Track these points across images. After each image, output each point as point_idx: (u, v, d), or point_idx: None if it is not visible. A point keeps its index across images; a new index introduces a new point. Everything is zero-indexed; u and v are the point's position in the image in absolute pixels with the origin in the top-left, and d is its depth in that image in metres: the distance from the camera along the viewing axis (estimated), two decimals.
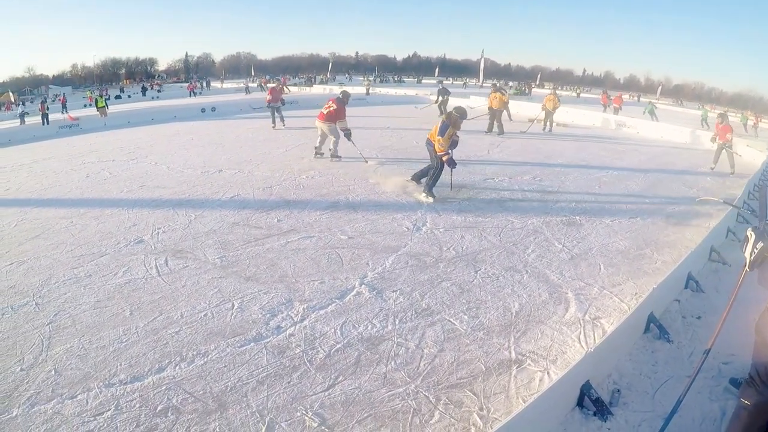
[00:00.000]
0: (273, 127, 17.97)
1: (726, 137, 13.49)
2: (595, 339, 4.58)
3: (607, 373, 4.09)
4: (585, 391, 3.66)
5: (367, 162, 12.16)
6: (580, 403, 3.69)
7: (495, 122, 17.70)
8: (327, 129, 12.01)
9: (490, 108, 17.81)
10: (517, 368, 4.17)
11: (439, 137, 8.70)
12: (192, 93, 48.08)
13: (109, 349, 4.37)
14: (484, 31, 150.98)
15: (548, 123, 19.07)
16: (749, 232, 3.06)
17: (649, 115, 30.76)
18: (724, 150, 13.64)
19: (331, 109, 11.78)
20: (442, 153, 8.77)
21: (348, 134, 11.96)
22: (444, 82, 37.95)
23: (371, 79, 46.87)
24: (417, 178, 9.84)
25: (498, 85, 22.79)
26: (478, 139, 16.34)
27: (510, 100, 22.23)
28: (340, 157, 12.41)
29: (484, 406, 3.68)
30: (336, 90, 24.48)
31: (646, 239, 7.41)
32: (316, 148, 12.74)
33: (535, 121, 19.15)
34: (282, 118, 18.24)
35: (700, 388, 3.94)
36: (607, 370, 4.11)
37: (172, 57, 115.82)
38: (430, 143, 9.08)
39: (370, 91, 37.82)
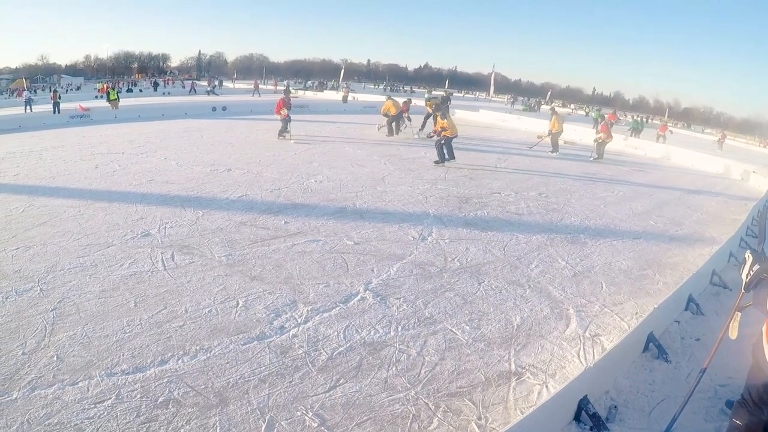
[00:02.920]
0: (287, 138, 16.41)
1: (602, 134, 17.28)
2: (594, 355, 4.61)
3: (605, 390, 4.12)
4: (582, 405, 3.68)
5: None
6: (577, 418, 3.71)
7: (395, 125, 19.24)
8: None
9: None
10: (516, 380, 4.20)
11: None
12: (193, 90, 48.27)
13: (113, 338, 4.42)
14: (496, 46, 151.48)
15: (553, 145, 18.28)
16: (747, 255, 3.11)
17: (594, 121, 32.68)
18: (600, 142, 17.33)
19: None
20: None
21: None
22: (455, 94, 37.55)
23: (348, 84, 46.50)
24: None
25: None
26: (485, 154, 16.42)
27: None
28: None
29: (483, 416, 3.71)
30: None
31: (648, 260, 7.44)
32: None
33: (543, 138, 18.99)
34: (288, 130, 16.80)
35: (696, 409, 3.97)
36: (605, 386, 4.14)
37: (185, 54, 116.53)
38: None
39: (349, 99, 34.67)
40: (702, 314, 5.85)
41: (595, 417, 3.66)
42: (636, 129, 34.23)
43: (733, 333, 3.18)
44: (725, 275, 6.95)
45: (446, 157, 13.74)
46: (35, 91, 46.67)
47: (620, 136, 23.23)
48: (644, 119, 40.49)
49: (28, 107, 24.26)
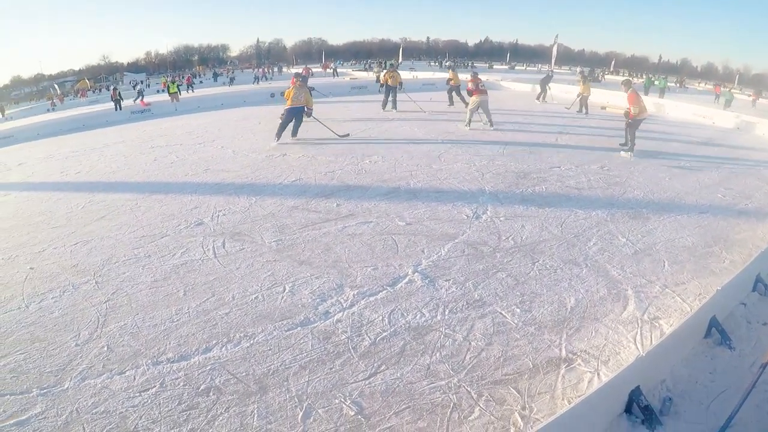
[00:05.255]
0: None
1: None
2: (651, 340, 4.36)
3: (660, 379, 3.89)
4: (634, 397, 3.48)
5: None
6: (628, 410, 3.52)
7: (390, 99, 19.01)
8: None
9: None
10: (566, 367, 4.03)
11: None
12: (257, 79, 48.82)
13: (161, 327, 4.51)
14: (558, 16, 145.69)
15: (583, 107, 19.74)
16: None
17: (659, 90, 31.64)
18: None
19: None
20: None
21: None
22: (517, 67, 36.41)
23: (382, 65, 44.80)
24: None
25: (394, 64, 24.44)
26: (546, 127, 15.91)
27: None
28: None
29: (527, 406, 3.57)
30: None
31: (715, 236, 7.00)
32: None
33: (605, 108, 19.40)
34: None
35: (759, 402, 3.68)
36: (661, 375, 3.90)
37: (244, 43, 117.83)
38: None
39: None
40: None
41: (647, 410, 3.45)
42: (647, 87, 32.37)
43: None
44: None
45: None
46: (100, 90, 48.48)
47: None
48: (664, 79, 37.81)
49: (118, 106, 25.08)
